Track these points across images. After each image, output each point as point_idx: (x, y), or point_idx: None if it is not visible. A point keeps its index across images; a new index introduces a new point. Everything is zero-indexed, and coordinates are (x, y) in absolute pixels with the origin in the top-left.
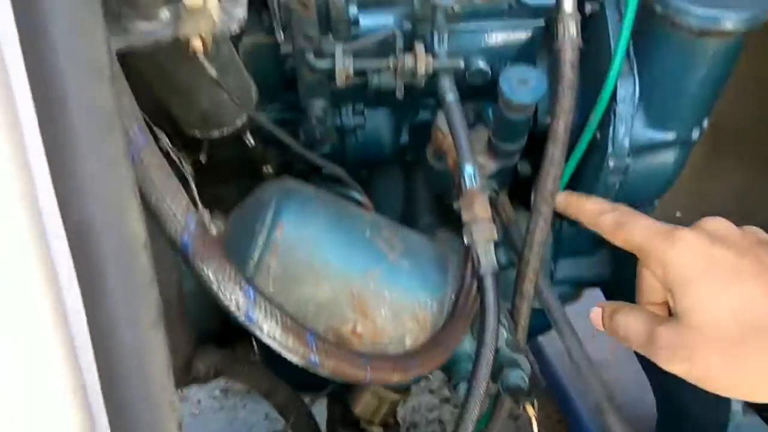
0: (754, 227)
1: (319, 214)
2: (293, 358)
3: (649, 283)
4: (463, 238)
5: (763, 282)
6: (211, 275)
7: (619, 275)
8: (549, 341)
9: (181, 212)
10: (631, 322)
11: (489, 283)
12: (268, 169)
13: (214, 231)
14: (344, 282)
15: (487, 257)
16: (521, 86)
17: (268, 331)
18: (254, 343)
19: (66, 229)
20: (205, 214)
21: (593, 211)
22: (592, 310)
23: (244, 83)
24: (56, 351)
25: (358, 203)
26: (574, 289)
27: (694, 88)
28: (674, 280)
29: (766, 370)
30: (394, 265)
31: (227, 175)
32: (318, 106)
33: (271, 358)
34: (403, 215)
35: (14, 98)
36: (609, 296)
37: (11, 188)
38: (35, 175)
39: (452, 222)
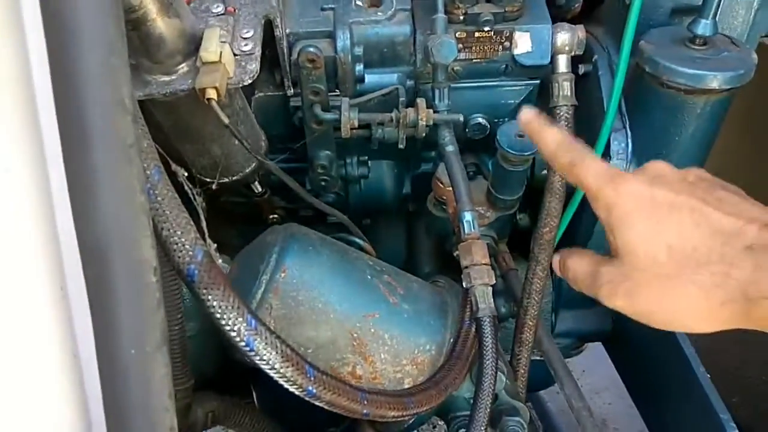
0: (697, 168)
1: (323, 257)
2: (291, 388)
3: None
4: (462, 285)
5: (698, 215)
6: (215, 303)
7: (621, 329)
8: (550, 396)
9: (190, 243)
10: (577, 263)
11: (487, 327)
12: (273, 215)
13: (219, 262)
14: (344, 324)
15: (486, 301)
16: (518, 140)
17: (269, 360)
18: (253, 391)
19: (81, 251)
20: (212, 246)
21: (551, 144)
22: (553, 260)
23: (254, 133)
24: (60, 370)
25: (361, 249)
26: (575, 343)
27: (685, 142)
28: (615, 221)
29: (695, 298)
30: (395, 309)
31: (233, 221)
32: (323, 156)
33: (270, 407)
34: (404, 264)
35: (41, 129)
36: (611, 351)
37: (31, 211)
38: (56, 200)
39: (452, 270)
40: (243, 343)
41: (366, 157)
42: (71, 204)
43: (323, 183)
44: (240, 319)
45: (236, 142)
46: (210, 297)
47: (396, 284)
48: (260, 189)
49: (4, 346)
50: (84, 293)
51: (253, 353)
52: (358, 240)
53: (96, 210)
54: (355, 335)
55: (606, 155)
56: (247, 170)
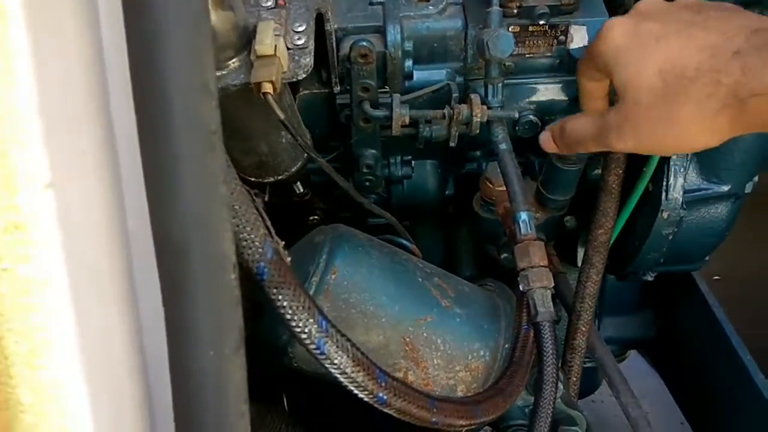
0: None
1: (372, 258)
2: (361, 394)
3: (589, 89)
4: (511, 288)
5: (684, 37)
6: (285, 303)
7: (667, 335)
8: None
9: (260, 240)
10: (581, 124)
11: (547, 332)
12: (313, 217)
13: (288, 260)
14: (396, 328)
15: (545, 305)
16: None
17: (339, 364)
18: (284, 398)
19: (156, 244)
20: (281, 244)
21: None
22: (542, 137)
23: (301, 131)
24: (127, 374)
25: (408, 251)
26: (618, 350)
27: (749, 140)
28: (609, 64)
29: (692, 114)
30: (447, 312)
31: (272, 222)
32: (369, 155)
33: (301, 411)
34: (442, 267)
35: (110, 108)
36: (653, 358)
37: (102, 200)
38: (129, 188)
39: (493, 274)
40: (313, 346)
41: (410, 157)
42: (147, 193)
43: (368, 183)
44: (311, 320)
45: (283, 140)
46: (280, 296)
47: (447, 287)
48: (302, 189)
49: (63, 345)
50: (156, 290)
51: (323, 356)
52: (404, 242)
53: (175, 200)
54: (407, 339)
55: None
56: (293, 169)
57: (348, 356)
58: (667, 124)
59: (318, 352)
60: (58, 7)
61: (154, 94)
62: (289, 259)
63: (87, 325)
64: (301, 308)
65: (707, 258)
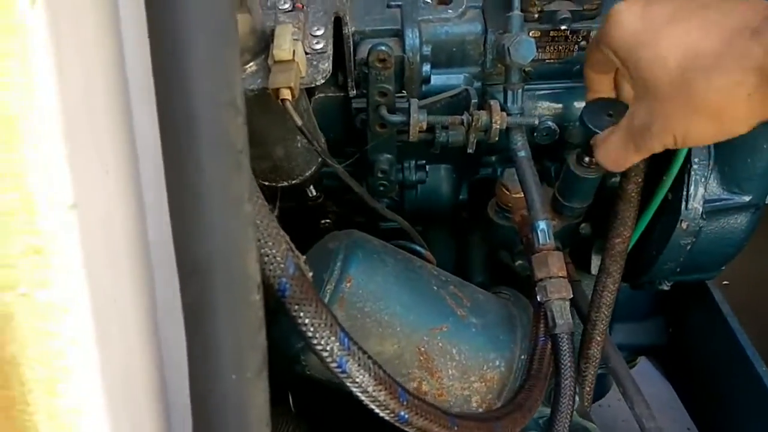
0: None
1: (387, 266)
2: (382, 413)
3: (597, 81)
4: (525, 296)
5: (699, 20)
6: (306, 320)
7: (678, 342)
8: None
9: (282, 255)
10: (613, 144)
11: (565, 345)
12: (324, 221)
13: (310, 276)
14: (411, 338)
15: (563, 317)
16: (607, 119)
17: (362, 382)
18: (290, 397)
19: (180, 265)
20: (302, 258)
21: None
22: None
23: (316, 136)
24: (145, 395)
25: (422, 257)
26: (628, 356)
27: None
28: (620, 51)
29: (722, 104)
30: (463, 322)
31: (283, 227)
32: (384, 160)
33: (307, 414)
34: (455, 273)
35: (133, 125)
36: (664, 366)
37: (124, 224)
38: (152, 207)
39: (505, 281)
40: (335, 364)
41: (424, 162)
42: (170, 213)
43: (382, 188)
44: (333, 338)
45: (298, 145)
46: (302, 314)
47: (462, 296)
48: (315, 193)
49: (83, 372)
50: (179, 313)
51: (345, 375)
52: (418, 248)
53: (200, 220)
54: (422, 349)
55: (687, 162)
56: (307, 174)
57: (370, 375)
58: (695, 115)
59: (340, 370)
60: (80, 22)
61: (179, 110)
62: (310, 274)
63: (107, 353)
64: (323, 326)
65: (723, 267)
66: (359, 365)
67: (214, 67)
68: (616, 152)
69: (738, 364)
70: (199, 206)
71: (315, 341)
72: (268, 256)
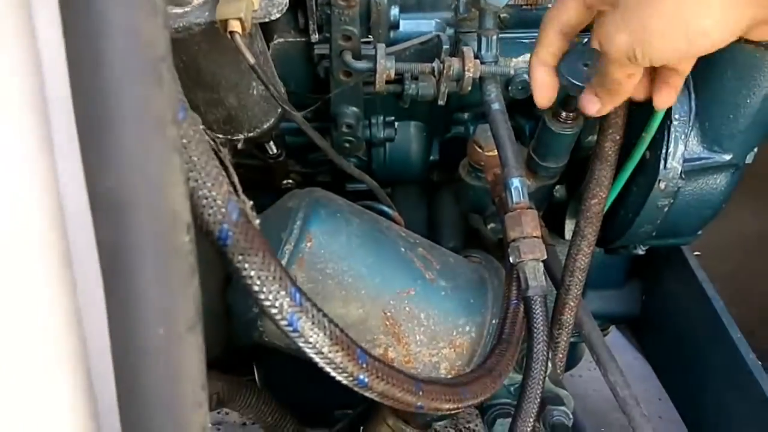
0: None
1: (352, 226)
2: (339, 377)
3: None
4: (497, 260)
5: None
6: (252, 272)
7: (653, 311)
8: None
9: (222, 198)
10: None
11: (538, 307)
12: (287, 181)
13: (257, 223)
14: (377, 301)
15: (536, 278)
16: (585, 70)
17: (315, 342)
18: (255, 369)
19: (91, 200)
20: (248, 204)
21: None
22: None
23: (274, 83)
24: (62, 351)
25: (389, 218)
26: (601, 324)
27: (756, 105)
28: None
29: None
30: (432, 286)
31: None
32: (350, 113)
33: (273, 385)
34: (425, 237)
35: (33, 22)
36: (636, 335)
37: (26, 147)
38: (54, 121)
39: (477, 245)
40: (285, 322)
41: (393, 118)
42: (80, 137)
43: (347, 144)
44: (283, 293)
45: (254, 92)
46: (246, 265)
47: (431, 258)
48: (275, 150)
49: None
50: (94, 258)
51: (296, 334)
52: (386, 208)
53: (113, 146)
54: (388, 314)
55: (667, 118)
56: (265, 126)
57: (325, 334)
58: (676, 8)
59: (290, 329)
60: None
61: (82, 7)
62: (257, 222)
63: (12, 305)
64: (271, 278)
65: (699, 232)
66: (313, 323)
67: None
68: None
69: (713, 332)
70: (111, 126)
71: (262, 296)
72: (207, 198)
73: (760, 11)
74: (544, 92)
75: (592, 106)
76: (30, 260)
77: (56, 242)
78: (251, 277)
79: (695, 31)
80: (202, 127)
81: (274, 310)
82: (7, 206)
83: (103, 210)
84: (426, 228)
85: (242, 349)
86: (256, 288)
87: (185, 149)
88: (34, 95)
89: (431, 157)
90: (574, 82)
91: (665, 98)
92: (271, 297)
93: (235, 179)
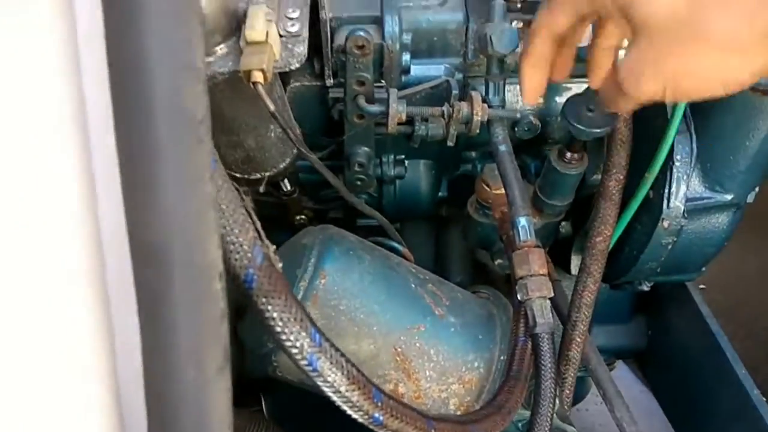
0: None
1: (364, 263)
2: (355, 415)
3: (556, 24)
4: (506, 297)
5: None
6: (275, 314)
7: (658, 345)
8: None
9: (249, 244)
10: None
11: (545, 344)
12: (300, 217)
13: (279, 266)
14: (388, 337)
15: (544, 315)
16: (588, 115)
17: (333, 381)
18: (263, 400)
19: (132, 249)
20: (272, 248)
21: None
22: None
23: (290, 125)
24: (97, 390)
25: (399, 254)
26: (607, 359)
27: (756, 147)
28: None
29: (730, 33)
30: (441, 322)
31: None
32: (362, 153)
33: (280, 417)
34: (432, 272)
35: (83, 89)
36: (642, 369)
37: (71, 197)
38: (102, 185)
39: (484, 280)
40: (305, 362)
41: (403, 156)
42: (123, 193)
43: (359, 183)
44: (303, 334)
45: (272, 134)
46: (270, 307)
47: (441, 294)
48: (289, 187)
49: (28, 362)
50: (131, 300)
51: (315, 373)
52: (396, 245)
53: (155, 199)
54: (399, 350)
55: (669, 159)
56: (281, 166)
57: (342, 373)
58: (693, 48)
59: (310, 368)
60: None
61: (130, 73)
62: (280, 265)
63: (53, 341)
64: (292, 320)
65: (704, 269)
66: (331, 363)
67: (172, 24)
68: (611, 92)
69: (718, 367)
70: (154, 183)
71: (284, 337)
72: (233, 244)
73: None
74: (532, 92)
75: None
76: (72, 302)
77: (98, 288)
78: (274, 319)
79: (735, 80)
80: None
81: (294, 350)
82: (54, 252)
83: (143, 258)
84: (433, 262)
85: (250, 382)
86: (278, 329)
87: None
88: (82, 152)
89: (440, 194)
90: (579, 127)
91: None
92: (292, 338)
93: (259, 225)
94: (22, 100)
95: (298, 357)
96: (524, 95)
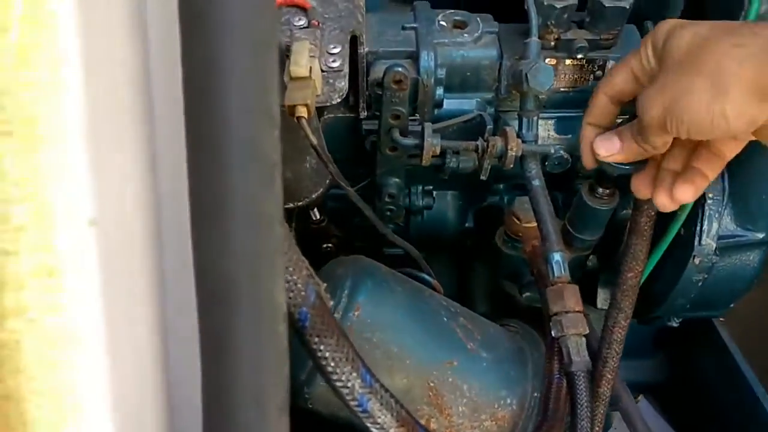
0: None
1: (397, 295)
2: None
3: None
4: (535, 331)
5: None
6: (327, 354)
7: (679, 381)
8: None
9: (303, 282)
10: (618, 133)
11: (582, 383)
12: (327, 245)
13: (330, 305)
14: (421, 372)
15: (579, 353)
16: None
17: (384, 423)
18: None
19: (199, 289)
20: (323, 286)
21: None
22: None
23: (327, 157)
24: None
25: (429, 286)
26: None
27: None
28: (661, 41)
29: (730, 69)
30: (473, 357)
31: None
32: (393, 184)
33: None
34: (456, 302)
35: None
36: (662, 404)
37: (143, 243)
38: (168, 225)
39: (508, 312)
40: (355, 402)
41: (431, 187)
42: (193, 232)
43: (389, 213)
44: (354, 375)
45: (308, 165)
46: (322, 347)
47: (473, 328)
48: (319, 216)
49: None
50: (195, 344)
51: (365, 414)
52: (426, 276)
53: (226, 240)
54: (431, 384)
55: (701, 197)
56: (314, 195)
57: (392, 415)
58: (697, 82)
59: (360, 409)
60: (108, 17)
61: (208, 117)
62: (331, 303)
63: (120, 389)
64: (344, 360)
65: (732, 305)
66: (381, 404)
67: (250, 72)
68: (626, 142)
69: (746, 405)
70: (226, 224)
71: (335, 377)
72: (288, 282)
73: None
74: (593, 153)
75: (611, 146)
76: (139, 346)
77: (161, 331)
78: (326, 358)
79: (717, 112)
80: None
81: (345, 390)
82: (129, 299)
83: (209, 300)
84: (457, 292)
85: None
86: (330, 369)
87: None
88: (154, 194)
89: (466, 225)
90: (607, 162)
91: (683, 193)
92: (344, 378)
93: (308, 263)
94: (99, 143)
95: (349, 398)
96: (584, 157)
